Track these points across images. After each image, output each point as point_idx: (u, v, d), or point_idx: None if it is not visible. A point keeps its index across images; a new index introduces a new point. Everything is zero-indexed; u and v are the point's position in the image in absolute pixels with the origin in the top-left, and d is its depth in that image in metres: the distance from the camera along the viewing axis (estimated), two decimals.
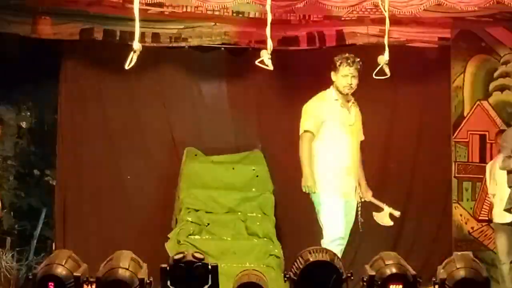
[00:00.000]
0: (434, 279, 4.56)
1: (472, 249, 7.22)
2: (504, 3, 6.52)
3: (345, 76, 6.51)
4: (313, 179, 6.49)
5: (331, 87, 6.61)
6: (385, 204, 6.65)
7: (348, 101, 6.63)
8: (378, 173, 7.40)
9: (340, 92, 6.57)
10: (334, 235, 6.46)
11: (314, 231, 7.33)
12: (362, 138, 6.75)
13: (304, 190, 6.53)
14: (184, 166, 7.68)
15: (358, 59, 6.58)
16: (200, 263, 5.07)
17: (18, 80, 8.53)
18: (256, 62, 6.12)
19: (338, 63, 6.56)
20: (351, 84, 6.53)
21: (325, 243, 6.42)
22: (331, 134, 6.55)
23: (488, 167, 7.17)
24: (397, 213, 6.61)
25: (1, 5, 7.05)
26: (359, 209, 6.60)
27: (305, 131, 6.60)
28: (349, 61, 6.54)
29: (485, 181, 7.25)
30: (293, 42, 7.70)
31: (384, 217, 6.62)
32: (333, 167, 6.52)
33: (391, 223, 6.66)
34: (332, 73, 6.58)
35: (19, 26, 7.31)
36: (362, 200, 6.63)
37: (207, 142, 7.97)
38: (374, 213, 6.64)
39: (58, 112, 8.19)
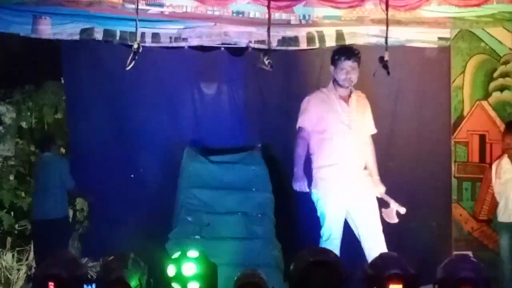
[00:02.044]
0: (434, 280, 4.56)
1: (472, 249, 7.24)
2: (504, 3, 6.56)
3: (343, 69, 6.49)
4: (302, 178, 6.48)
5: (331, 81, 6.60)
6: (392, 200, 6.61)
7: (348, 95, 6.58)
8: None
9: (340, 86, 6.55)
10: (328, 234, 6.46)
11: (313, 231, 7.34)
12: (373, 131, 6.70)
13: (295, 189, 6.55)
14: (184, 166, 7.67)
15: (357, 52, 6.56)
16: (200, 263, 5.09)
17: (18, 80, 8.55)
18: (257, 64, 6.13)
19: (336, 57, 6.54)
20: (350, 77, 6.50)
21: (322, 242, 6.43)
22: (328, 129, 6.52)
23: (494, 165, 7.17)
24: (403, 210, 6.58)
25: (1, 5, 7.04)
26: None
27: (299, 127, 6.60)
28: (347, 54, 6.52)
29: (490, 179, 7.24)
30: (293, 42, 7.69)
31: (391, 214, 6.59)
32: (330, 163, 6.50)
33: (396, 220, 6.64)
34: (331, 67, 6.57)
35: (19, 26, 7.30)
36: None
37: (207, 142, 7.97)
38: (383, 210, 6.61)
39: (66, 113, 8.22)
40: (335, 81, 6.57)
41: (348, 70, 6.48)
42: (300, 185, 6.51)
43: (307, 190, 6.54)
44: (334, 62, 6.54)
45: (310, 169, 6.66)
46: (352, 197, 6.49)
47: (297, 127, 6.60)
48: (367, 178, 6.60)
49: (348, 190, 6.49)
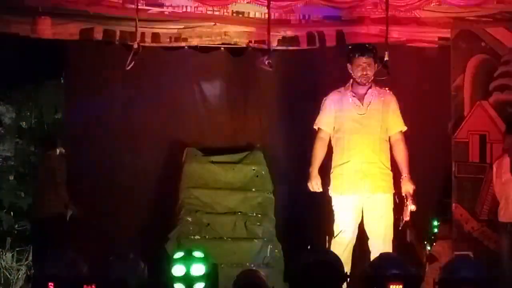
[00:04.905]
0: (434, 279, 4.56)
1: (472, 249, 7.23)
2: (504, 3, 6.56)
3: (358, 66, 6.47)
4: (316, 177, 6.48)
5: (351, 79, 6.58)
6: (411, 199, 6.56)
7: (364, 92, 6.54)
8: None
9: (358, 84, 6.53)
10: (337, 232, 6.47)
11: (314, 231, 7.34)
12: (401, 128, 6.61)
13: (310, 189, 6.54)
14: (184, 166, 7.67)
15: (372, 47, 6.53)
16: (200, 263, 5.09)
17: (18, 80, 8.55)
18: (257, 64, 6.14)
19: (351, 54, 6.52)
20: (366, 74, 6.48)
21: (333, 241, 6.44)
22: (341, 128, 6.51)
23: (494, 165, 7.16)
24: (413, 207, 6.55)
25: (1, 5, 7.04)
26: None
27: (317, 128, 6.60)
28: (361, 50, 6.50)
29: (491, 179, 7.22)
30: (293, 42, 7.69)
31: (406, 211, 6.55)
32: (341, 162, 6.49)
33: (408, 217, 6.59)
34: (348, 65, 6.54)
35: (19, 26, 7.30)
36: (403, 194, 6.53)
37: (207, 142, 7.97)
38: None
39: (63, 112, 8.20)
40: (353, 79, 6.55)
41: (363, 66, 6.46)
42: (313, 185, 6.51)
43: (321, 190, 6.53)
44: (349, 59, 6.52)
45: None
46: (364, 197, 6.46)
47: (315, 127, 6.61)
48: (382, 177, 6.54)
49: (358, 190, 6.46)
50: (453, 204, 7.57)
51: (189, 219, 7.39)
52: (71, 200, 7.95)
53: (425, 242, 7.71)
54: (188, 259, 5.34)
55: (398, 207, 6.58)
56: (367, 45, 6.61)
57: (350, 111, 6.49)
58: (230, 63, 7.97)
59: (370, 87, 6.53)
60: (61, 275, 4.59)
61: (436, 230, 7.92)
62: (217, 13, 7.29)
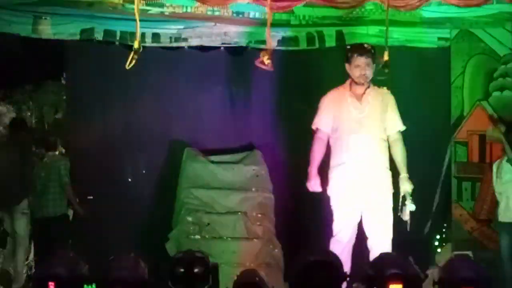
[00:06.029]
0: (434, 279, 4.56)
1: (472, 249, 7.24)
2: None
3: (357, 66, 6.46)
4: (315, 177, 6.47)
5: (349, 79, 6.57)
6: (410, 199, 6.55)
7: (363, 92, 6.53)
8: None
9: (356, 83, 6.52)
10: (336, 232, 6.47)
11: (314, 231, 7.35)
12: (399, 127, 6.59)
13: (309, 189, 6.54)
14: (184, 166, 7.68)
15: (370, 47, 6.53)
16: (201, 263, 5.09)
17: (18, 80, 8.55)
18: (256, 63, 6.15)
19: (349, 54, 6.51)
20: (364, 74, 6.46)
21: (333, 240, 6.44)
22: (339, 128, 6.51)
23: (494, 165, 7.17)
24: (412, 207, 6.53)
25: (1, 5, 7.05)
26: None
27: (316, 128, 6.59)
28: (360, 50, 6.49)
29: (490, 179, 7.23)
30: (293, 42, 7.70)
31: (405, 211, 6.54)
32: (339, 162, 6.48)
33: (408, 217, 6.58)
34: (346, 65, 6.53)
35: (19, 26, 7.30)
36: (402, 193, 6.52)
37: (207, 142, 7.98)
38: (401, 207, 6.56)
39: (63, 112, 8.22)
40: (352, 79, 6.54)
41: (362, 66, 6.44)
42: (312, 185, 6.50)
43: (320, 189, 6.52)
44: (348, 59, 6.51)
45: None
46: (363, 197, 6.45)
47: (313, 127, 6.59)
48: (382, 177, 6.52)
49: (357, 190, 6.45)
50: (453, 204, 7.59)
51: (189, 219, 7.40)
52: (77, 200, 7.97)
53: None
54: (188, 259, 5.34)
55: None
56: (365, 45, 6.60)
57: (348, 111, 6.48)
58: (230, 63, 7.98)
59: (368, 87, 6.52)
60: (61, 275, 4.59)
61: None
62: (217, 13, 7.29)
